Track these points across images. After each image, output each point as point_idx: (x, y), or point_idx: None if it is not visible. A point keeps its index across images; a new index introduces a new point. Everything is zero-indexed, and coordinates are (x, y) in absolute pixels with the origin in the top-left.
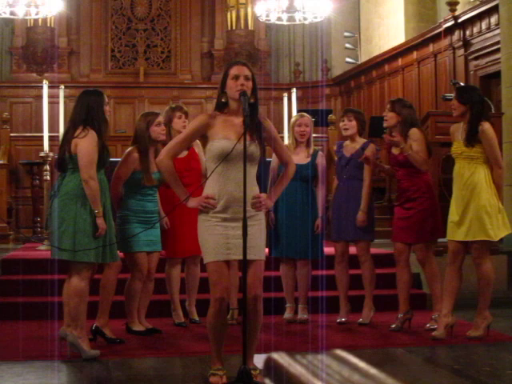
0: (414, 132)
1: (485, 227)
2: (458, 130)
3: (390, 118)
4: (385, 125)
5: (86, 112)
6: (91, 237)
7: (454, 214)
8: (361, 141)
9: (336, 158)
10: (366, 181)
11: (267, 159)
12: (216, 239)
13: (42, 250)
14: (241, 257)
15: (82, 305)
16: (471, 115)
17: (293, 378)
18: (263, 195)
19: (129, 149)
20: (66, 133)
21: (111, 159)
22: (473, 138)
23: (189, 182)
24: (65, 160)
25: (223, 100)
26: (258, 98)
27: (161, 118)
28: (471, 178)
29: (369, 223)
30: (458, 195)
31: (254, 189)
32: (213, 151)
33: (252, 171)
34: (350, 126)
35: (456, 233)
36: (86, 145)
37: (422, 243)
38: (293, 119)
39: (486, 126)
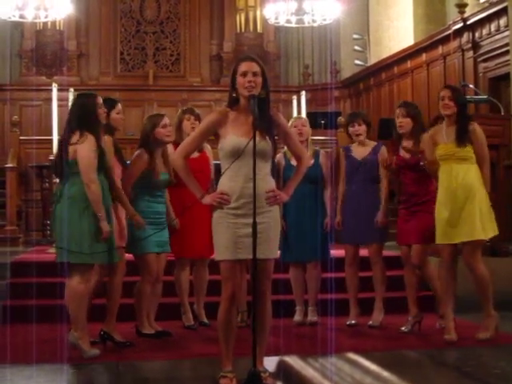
0: (427, 139)
1: (484, 226)
2: (440, 133)
3: (406, 124)
4: (401, 131)
5: (81, 116)
6: (95, 239)
7: (445, 218)
8: (370, 143)
9: (344, 162)
10: (384, 183)
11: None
12: (228, 237)
13: (52, 253)
14: (250, 256)
15: (81, 307)
16: (461, 116)
17: (305, 380)
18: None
19: (138, 151)
20: (64, 137)
21: None
22: (465, 137)
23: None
24: (62, 165)
25: (234, 95)
26: (269, 91)
27: (166, 120)
28: (465, 178)
29: (384, 226)
30: (451, 197)
31: (268, 184)
32: (224, 149)
33: (264, 168)
34: (361, 130)
35: (452, 236)
36: (85, 150)
37: (421, 246)
38: (290, 122)
39: (477, 126)
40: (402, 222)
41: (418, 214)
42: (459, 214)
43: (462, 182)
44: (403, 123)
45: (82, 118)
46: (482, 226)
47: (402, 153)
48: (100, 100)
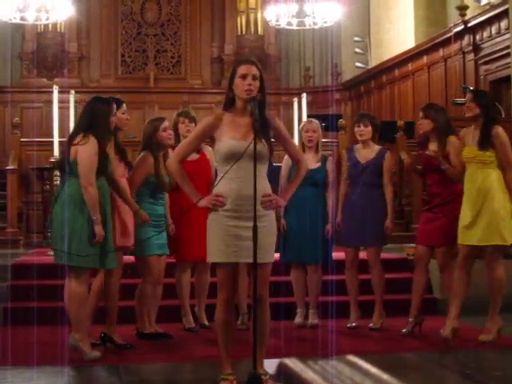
0: (453, 141)
1: (499, 231)
2: (469, 135)
3: (425, 125)
4: (420, 131)
5: (91, 119)
6: (88, 242)
7: (466, 219)
8: (374, 146)
9: (346, 163)
10: (388, 187)
11: (274, 164)
12: (225, 240)
13: (52, 255)
14: (247, 259)
15: (82, 309)
16: (484, 119)
17: (305, 383)
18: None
19: (142, 154)
20: (70, 137)
21: None
22: (487, 141)
23: (197, 186)
24: (64, 164)
25: (230, 97)
26: (265, 95)
27: (167, 123)
28: (484, 182)
29: (382, 229)
30: (471, 200)
31: (264, 187)
32: (220, 152)
33: (260, 170)
34: (366, 131)
35: (468, 237)
36: (86, 152)
37: (445, 248)
38: (301, 125)
39: (500, 130)
40: (423, 223)
41: (439, 215)
42: (477, 217)
43: (479, 186)
44: (421, 125)
45: (90, 121)
46: (500, 231)
47: (428, 154)
48: (114, 108)
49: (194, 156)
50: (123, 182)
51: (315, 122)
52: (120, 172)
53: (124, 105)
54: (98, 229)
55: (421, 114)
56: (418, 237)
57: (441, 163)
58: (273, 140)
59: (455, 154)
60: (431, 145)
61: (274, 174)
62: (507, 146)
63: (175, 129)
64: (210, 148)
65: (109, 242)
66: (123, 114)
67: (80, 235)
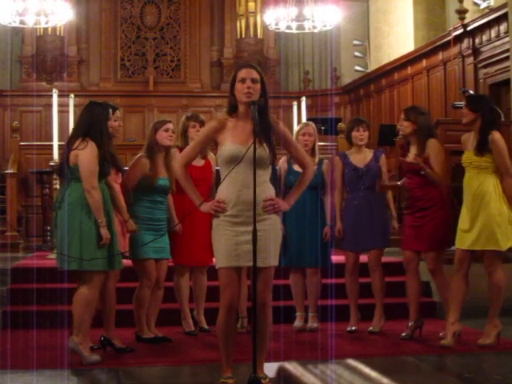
0: (433, 144)
1: (494, 237)
2: (469, 140)
3: (405, 127)
4: (401, 133)
5: (89, 124)
6: (95, 246)
7: (463, 223)
8: (367, 150)
9: (340, 170)
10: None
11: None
12: (226, 245)
13: (52, 259)
14: (250, 263)
15: (86, 313)
16: (482, 124)
17: None
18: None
19: (137, 155)
20: (68, 142)
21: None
22: (483, 147)
23: (201, 191)
24: (64, 169)
25: (233, 102)
26: (267, 99)
27: (170, 125)
28: (480, 187)
29: (386, 231)
30: (468, 204)
31: (265, 191)
32: (223, 156)
33: (262, 175)
34: (365, 136)
35: (464, 241)
36: (85, 156)
37: (433, 252)
38: (297, 128)
39: (496, 136)
40: (408, 228)
41: (425, 219)
42: (474, 221)
43: (475, 192)
44: (403, 126)
45: (88, 126)
46: (495, 236)
47: (408, 160)
48: (110, 112)
49: (200, 162)
50: (116, 188)
51: (311, 125)
52: (112, 178)
53: (117, 111)
54: (104, 231)
55: (402, 116)
56: (404, 242)
57: (422, 168)
58: (277, 146)
59: (434, 157)
60: (411, 147)
61: (274, 178)
62: (504, 152)
63: (184, 132)
64: (213, 155)
65: (115, 244)
66: (115, 121)
67: (89, 239)
